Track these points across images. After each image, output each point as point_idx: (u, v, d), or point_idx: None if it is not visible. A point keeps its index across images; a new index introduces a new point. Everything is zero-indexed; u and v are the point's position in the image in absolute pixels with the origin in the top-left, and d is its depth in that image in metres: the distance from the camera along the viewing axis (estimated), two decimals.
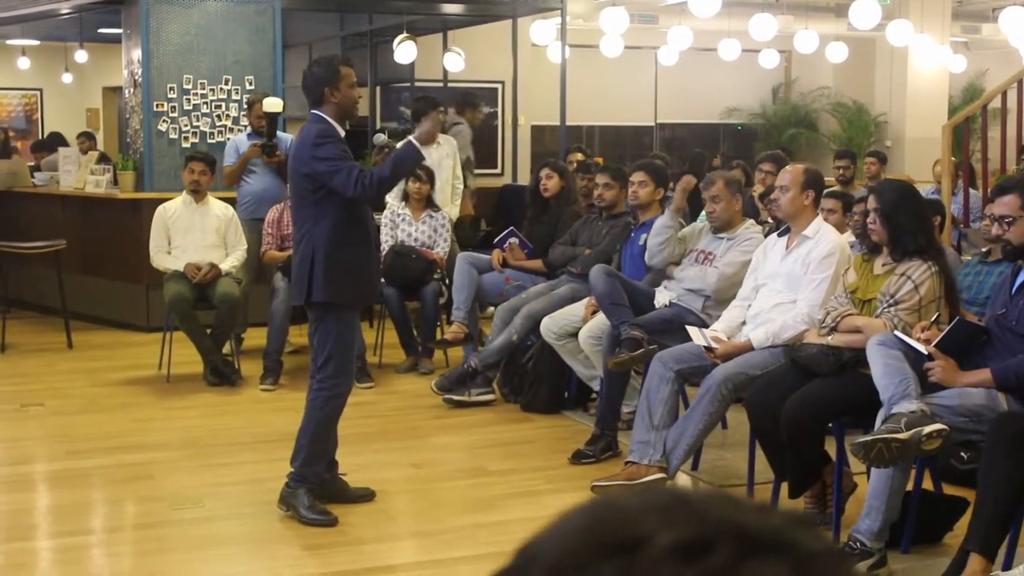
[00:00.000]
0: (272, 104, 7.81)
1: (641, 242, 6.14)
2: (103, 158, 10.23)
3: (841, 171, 9.31)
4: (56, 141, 12.48)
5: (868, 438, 3.97)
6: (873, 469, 4.11)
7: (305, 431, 4.75)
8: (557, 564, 0.69)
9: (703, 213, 6.00)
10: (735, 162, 9.13)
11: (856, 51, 13.82)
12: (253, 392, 7.01)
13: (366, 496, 4.95)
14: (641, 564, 0.66)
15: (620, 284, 5.72)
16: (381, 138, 4.88)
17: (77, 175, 9.50)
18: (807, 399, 4.39)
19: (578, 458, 5.59)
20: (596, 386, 6.13)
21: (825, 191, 5.69)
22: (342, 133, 4.76)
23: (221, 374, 7.18)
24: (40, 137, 14.98)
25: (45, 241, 8.78)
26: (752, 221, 5.83)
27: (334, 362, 4.69)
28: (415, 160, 4.80)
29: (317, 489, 4.75)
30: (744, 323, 5.08)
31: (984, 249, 5.67)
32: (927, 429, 3.93)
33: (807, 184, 5.02)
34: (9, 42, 15.07)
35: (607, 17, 11.40)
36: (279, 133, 8.02)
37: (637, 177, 6.23)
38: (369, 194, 4.62)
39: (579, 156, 8.84)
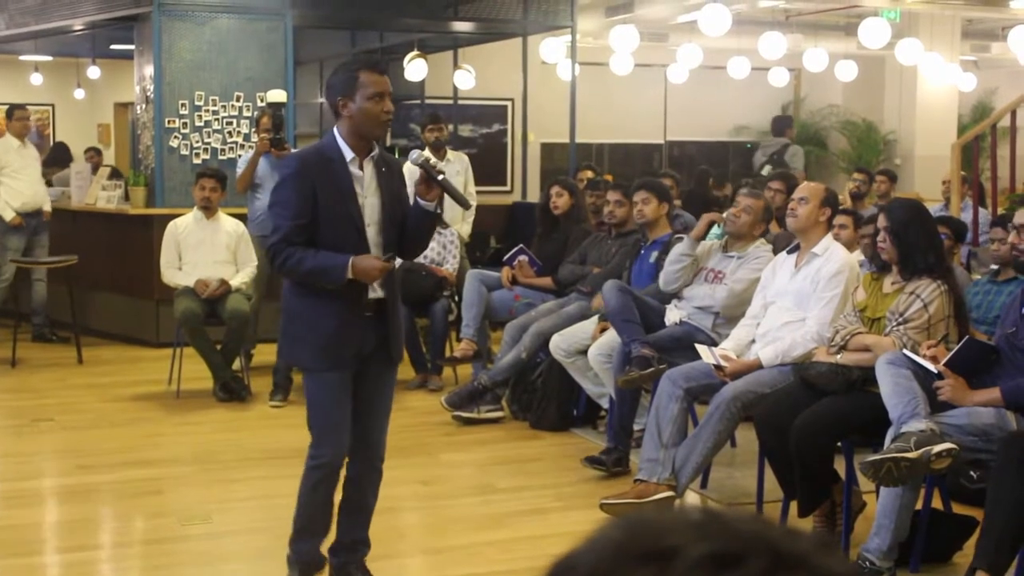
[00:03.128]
0: (275, 95, 7.80)
1: (652, 260, 6.15)
2: (115, 173, 10.25)
3: (857, 184, 9.33)
4: (63, 154, 12.52)
5: (877, 457, 3.97)
6: (882, 488, 4.10)
7: (297, 502, 4.13)
8: (593, 573, 0.70)
9: (714, 231, 6.01)
10: (743, 180, 9.14)
11: (865, 69, 13.83)
12: (263, 408, 7.02)
13: None
14: (674, 573, 0.68)
15: (632, 300, 5.73)
16: (418, 155, 4.01)
17: (89, 191, 9.55)
18: (816, 418, 4.39)
19: (591, 463, 5.63)
20: (605, 404, 6.14)
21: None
22: (348, 157, 3.89)
23: (231, 390, 7.19)
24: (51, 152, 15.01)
25: (56, 256, 8.82)
26: (763, 240, 5.84)
27: (312, 429, 4.05)
28: (335, 283, 3.87)
29: (314, 571, 4.16)
30: (753, 341, 5.08)
31: (994, 268, 5.68)
32: (936, 448, 3.92)
33: (826, 201, 5.05)
34: (22, 58, 15.14)
35: (617, 35, 11.41)
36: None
37: (640, 196, 6.25)
38: (280, 273, 4.04)
39: (589, 173, 8.86)
